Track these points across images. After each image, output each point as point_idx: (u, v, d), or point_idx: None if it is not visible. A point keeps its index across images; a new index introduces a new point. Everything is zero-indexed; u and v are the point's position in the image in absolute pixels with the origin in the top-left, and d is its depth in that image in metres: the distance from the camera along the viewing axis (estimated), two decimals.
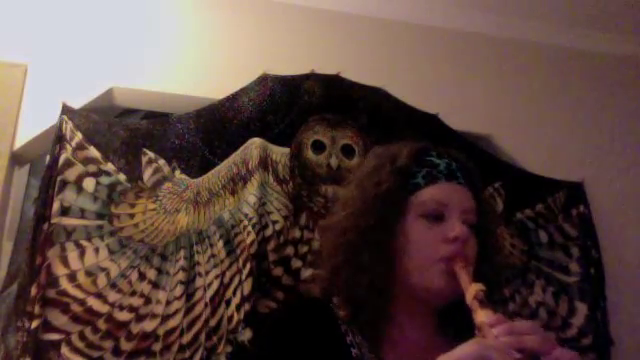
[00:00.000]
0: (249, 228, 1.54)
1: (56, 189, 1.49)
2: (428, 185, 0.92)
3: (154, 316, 1.46)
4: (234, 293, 1.49)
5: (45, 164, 1.55)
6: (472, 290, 0.78)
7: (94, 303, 1.43)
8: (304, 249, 1.58)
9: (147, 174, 1.57)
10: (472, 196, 0.94)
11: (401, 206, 0.92)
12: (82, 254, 1.46)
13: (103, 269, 1.47)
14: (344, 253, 0.91)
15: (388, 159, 0.96)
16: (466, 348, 0.67)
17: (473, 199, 0.93)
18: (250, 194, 1.58)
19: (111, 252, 1.48)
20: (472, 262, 0.87)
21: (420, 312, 0.92)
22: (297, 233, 1.60)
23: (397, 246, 0.90)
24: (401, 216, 0.91)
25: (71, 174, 1.51)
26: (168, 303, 1.47)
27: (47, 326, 1.39)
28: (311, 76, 1.75)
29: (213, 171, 1.61)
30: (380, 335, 0.88)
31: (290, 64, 1.76)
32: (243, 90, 1.70)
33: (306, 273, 1.55)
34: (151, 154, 1.59)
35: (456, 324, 0.90)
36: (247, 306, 1.47)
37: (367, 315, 0.87)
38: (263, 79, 1.71)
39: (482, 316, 0.72)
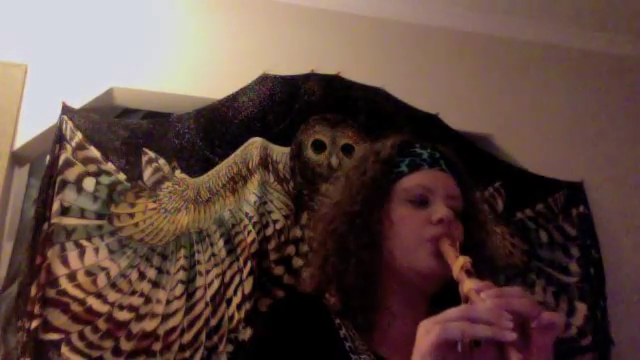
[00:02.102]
0: (249, 227, 1.54)
1: (56, 189, 1.49)
2: (412, 172, 0.94)
3: (154, 315, 1.45)
4: (235, 292, 1.49)
5: (45, 164, 1.55)
6: (459, 262, 0.77)
7: (94, 303, 1.43)
8: (305, 248, 1.58)
9: (147, 174, 1.57)
10: (456, 183, 0.95)
11: (385, 193, 0.94)
12: (82, 254, 1.46)
13: (103, 269, 1.47)
14: (333, 241, 0.94)
15: (372, 152, 1.00)
16: (453, 309, 0.67)
17: (457, 186, 0.95)
18: (251, 193, 1.58)
19: (111, 252, 1.48)
20: (459, 240, 0.88)
21: (411, 299, 0.92)
22: (298, 232, 1.60)
23: (383, 231, 0.91)
24: (386, 203, 0.93)
25: (71, 174, 1.51)
26: (168, 302, 1.47)
27: (47, 326, 1.39)
28: (311, 76, 1.76)
29: (213, 170, 1.61)
30: (371, 324, 0.89)
31: (290, 64, 1.76)
32: (243, 90, 1.70)
33: (307, 272, 1.55)
34: (151, 154, 1.59)
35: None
36: (248, 305, 1.47)
37: (357, 302, 0.88)
38: (263, 79, 1.72)
39: (469, 284, 0.72)
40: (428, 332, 0.65)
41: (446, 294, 0.86)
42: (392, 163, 0.96)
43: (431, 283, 0.90)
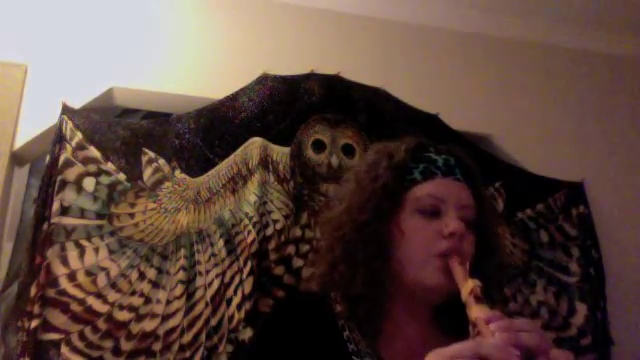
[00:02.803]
0: (250, 227, 1.54)
1: (56, 189, 1.48)
2: (425, 180, 0.92)
3: (154, 316, 1.45)
4: (235, 292, 1.49)
5: (45, 164, 1.55)
6: (468, 286, 0.76)
7: (94, 303, 1.43)
8: (305, 248, 1.58)
9: (147, 174, 1.57)
10: (470, 192, 0.94)
11: (397, 201, 0.92)
12: (82, 254, 1.46)
13: (103, 269, 1.46)
14: (341, 248, 0.92)
15: (386, 155, 0.97)
16: (462, 344, 0.66)
17: (471, 195, 0.93)
18: (251, 193, 1.58)
19: (111, 252, 1.48)
20: (469, 258, 0.87)
21: (416, 308, 0.92)
22: (298, 232, 1.60)
23: (393, 241, 0.90)
24: (397, 211, 0.92)
25: (71, 174, 1.51)
26: (168, 302, 1.47)
27: (47, 326, 1.39)
28: (311, 76, 1.76)
29: (213, 170, 1.61)
30: (377, 330, 0.88)
31: (290, 64, 1.76)
32: (243, 90, 1.70)
33: (307, 272, 1.55)
34: (151, 154, 1.59)
35: (452, 318, 0.90)
36: (248, 305, 1.47)
37: (363, 310, 0.88)
38: (263, 79, 1.72)
39: (478, 312, 0.71)
40: None
41: (449, 304, 0.86)
42: (405, 169, 0.94)
43: (437, 297, 0.89)
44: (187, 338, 1.45)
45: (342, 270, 0.91)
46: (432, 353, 0.67)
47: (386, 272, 0.90)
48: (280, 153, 1.66)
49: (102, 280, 1.45)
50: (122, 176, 1.55)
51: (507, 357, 0.63)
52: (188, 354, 1.44)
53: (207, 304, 1.48)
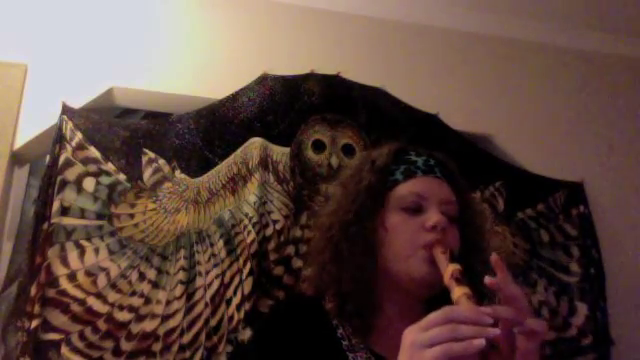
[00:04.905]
0: (249, 227, 1.54)
1: (56, 189, 1.49)
2: (406, 180, 0.96)
3: (154, 316, 1.45)
4: (234, 292, 1.49)
5: (45, 164, 1.55)
6: (449, 270, 0.80)
7: (94, 303, 1.43)
8: (305, 248, 1.57)
9: (147, 174, 1.57)
10: (451, 189, 0.98)
11: (381, 201, 0.96)
12: (82, 254, 1.46)
13: (103, 269, 1.46)
14: (329, 248, 0.96)
15: (369, 160, 1.02)
16: (435, 313, 0.68)
17: (452, 192, 0.97)
18: (251, 193, 1.58)
19: (111, 252, 1.48)
20: (452, 248, 0.89)
21: (406, 303, 0.94)
22: (298, 232, 1.60)
23: (378, 239, 0.94)
24: (381, 211, 0.96)
25: (71, 174, 1.51)
26: (168, 303, 1.47)
27: (47, 326, 1.39)
28: (311, 76, 1.75)
29: (213, 171, 1.61)
30: (369, 326, 0.91)
31: (290, 64, 1.76)
32: (243, 90, 1.70)
33: (305, 275, 1.55)
34: (151, 154, 1.59)
35: None
36: (247, 305, 1.47)
37: (353, 307, 0.91)
38: (263, 79, 1.72)
39: (458, 292, 0.74)
40: (419, 348, 0.66)
41: (441, 296, 0.87)
42: (387, 171, 0.98)
43: (425, 289, 0.92)
44: (187, 338, 1.45)
45: (331, 269, 0.94)
46: (408, 328, 0.70)
47: (373, 269, 0.93)
48: (280, 153, 1.66)
49: (102, 280, 1.45)
50: (122, 176, 1.55)
51: (478, 317, 0.66)
52: (188, 354, 1.44)
53: (207, 304, 1.48)
